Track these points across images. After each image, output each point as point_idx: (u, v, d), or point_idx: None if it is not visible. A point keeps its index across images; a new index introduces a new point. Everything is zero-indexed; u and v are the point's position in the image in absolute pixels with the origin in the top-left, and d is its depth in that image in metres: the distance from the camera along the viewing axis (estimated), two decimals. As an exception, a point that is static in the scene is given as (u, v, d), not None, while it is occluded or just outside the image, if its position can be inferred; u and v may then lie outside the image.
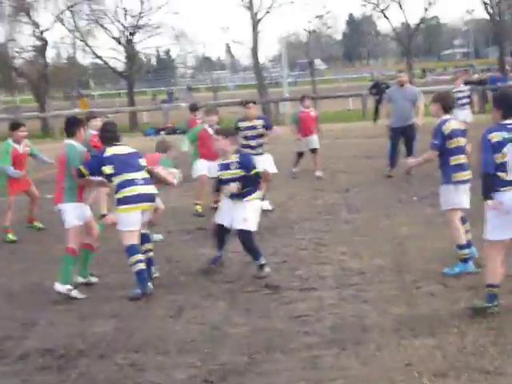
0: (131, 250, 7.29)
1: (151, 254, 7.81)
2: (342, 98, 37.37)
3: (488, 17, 41.82)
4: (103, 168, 7.38)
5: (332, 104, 33.46)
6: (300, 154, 14.82)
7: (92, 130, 10.50)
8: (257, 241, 8.38)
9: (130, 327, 6.44)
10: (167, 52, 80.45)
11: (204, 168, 11.37)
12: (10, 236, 10.53)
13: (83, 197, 7.85)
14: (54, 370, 5.60)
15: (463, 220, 7.55)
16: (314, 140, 14.70)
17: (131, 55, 38.53)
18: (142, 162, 7.63)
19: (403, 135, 13.75)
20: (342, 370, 5.19)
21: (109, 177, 7.45)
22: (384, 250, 8.45)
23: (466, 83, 21.69)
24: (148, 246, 7.78)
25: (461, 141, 7.43)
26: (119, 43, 38.74)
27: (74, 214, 7.54)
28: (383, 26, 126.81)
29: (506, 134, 6.08)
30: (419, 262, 7.86)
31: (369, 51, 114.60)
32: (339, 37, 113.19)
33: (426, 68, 75.96)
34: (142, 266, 7.27)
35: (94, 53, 38.89)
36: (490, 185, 6.07)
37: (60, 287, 7.37)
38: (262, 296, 7.13)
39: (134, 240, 7.34)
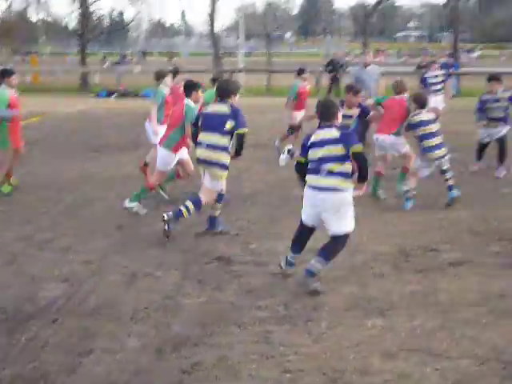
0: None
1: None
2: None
3: (444, 1, 42.17)
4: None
5: (286, 78, 33.37)
6: (296, 128, 13.53)
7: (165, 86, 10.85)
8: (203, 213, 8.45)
9: (81, 292, 6.39)
10: (121, 14, 79.17)
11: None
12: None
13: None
14: (3, 333, 5.53)
15: None
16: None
17: (85, 14, 37.70)
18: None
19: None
20: (293, 346, 5.25)
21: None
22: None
23: (420, 67, 21.78)
24: None
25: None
26: (73, 1, 37.88)
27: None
28: (340, 4, 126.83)
29: None
30: (371, 243, 7.97)
31: (324, 28, 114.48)
32: (296, 11, 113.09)
33: (379, 48, 76.48)
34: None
35: (47, 9, 37.97)
36: None
37: (128, 204, 9.20)
38: (215, 268, 7.15)
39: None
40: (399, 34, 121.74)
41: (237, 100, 8.19)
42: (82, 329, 5.58)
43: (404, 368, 4.86)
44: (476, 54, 73.19)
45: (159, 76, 10.76)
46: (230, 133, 7.95)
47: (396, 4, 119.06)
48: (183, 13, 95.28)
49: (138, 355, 5.14)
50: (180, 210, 8.00)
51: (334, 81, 27.98)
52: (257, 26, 54.45)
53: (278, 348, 5.23)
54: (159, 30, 60.04)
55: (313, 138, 6.61)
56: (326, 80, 28.56)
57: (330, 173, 6.40)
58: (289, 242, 7.93)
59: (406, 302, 6.12)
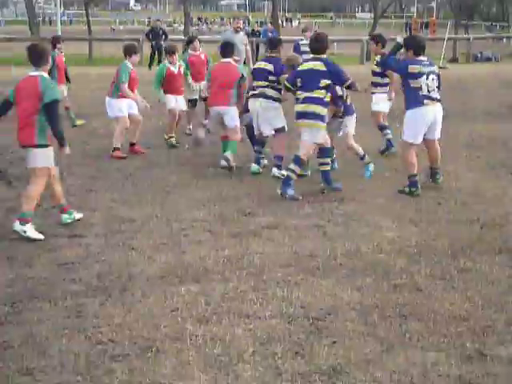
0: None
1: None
2: (118, 42, 36.61)
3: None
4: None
5: (108, 47, 32.63)
6: (193, 102, 12.81)
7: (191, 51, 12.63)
8: (23, 186, 8.12)
9: None
10: None
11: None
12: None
13: None
14: None
15: None
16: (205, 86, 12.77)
17: None
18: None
19: None
20: (106, 317, 5.17)
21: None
22: (154, 199, 8.50)
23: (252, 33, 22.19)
24: None
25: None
26: None
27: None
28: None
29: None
30: (189, 210, 8.00)
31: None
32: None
33: (201, 16, 77.00)
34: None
35: None
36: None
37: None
38: (26, 243, 6.87)
39: None
40: (222, 3, 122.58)
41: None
42: None
43: (216, 331, 4.92)
44: (295, 22, 75.27)
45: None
46: (325, 88, 8.54)
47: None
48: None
49: None
50: (288, 177, 8.60)
51: (156, 49, 27.78)
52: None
53: (90, 320, 5.12)
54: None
55: None
56: (147, 48, 28.27)
57: None
58: (106, 213, 7.84)
59: (220, 267, 6.21)
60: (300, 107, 8.58)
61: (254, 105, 9.69)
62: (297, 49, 14.01)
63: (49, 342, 4.79)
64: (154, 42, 27.73)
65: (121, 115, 10.97)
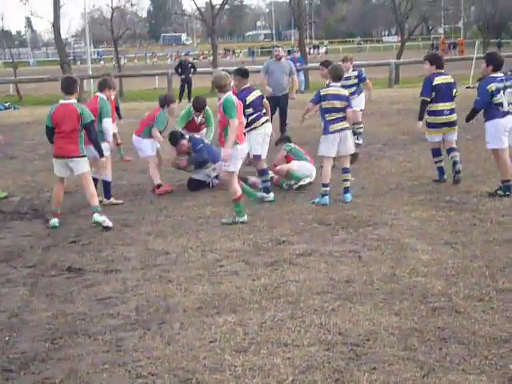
0: None
1: None
2: (148, 77, 37.26)
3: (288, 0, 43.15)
4: None
5: (138, 82, 33.17)
6: None
7: None
8: (60, 223, 8.28)
9: None
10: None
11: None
12: None
13: None
14: None
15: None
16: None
17: None
18: None
19: (277, 105, 14.53)
20: (146, 350, 5.21)
21: None
22: (188, 230, 8.56)
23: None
24: None
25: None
26: None
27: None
28: (187, 6, 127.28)
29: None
30: (222, 241, 8.04)
31: (174, 30, 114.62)
32: (144, 14, 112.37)
33: (229, 48, 77.93)
34: None
35: None
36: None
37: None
38: (65, 280, 6.97)
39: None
40: (249, 33, 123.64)
41: None
42: None
43: (255, 361, 4.93)
44: (323, 49, 75.61)
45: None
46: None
47: (244, 3, 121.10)
48: (28, 20, 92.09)
49: (-18, 378, 4.93)
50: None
51: (186, 82, 28.08)
52: (104, 31, 53.51)
53: (130, 354, 5.16)
54: (3, 39, 57.81)
55: None
56: (177, 82, 28.62)
57: None
58: (141, 247, 7.93)
59: (257, 296, 6.21)
60: None
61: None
62: None
63: (90, 377, 4.83)
64: (183, 76, 28.05)
65: (152, 154, 11.13)
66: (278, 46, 16.78)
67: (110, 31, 40.53)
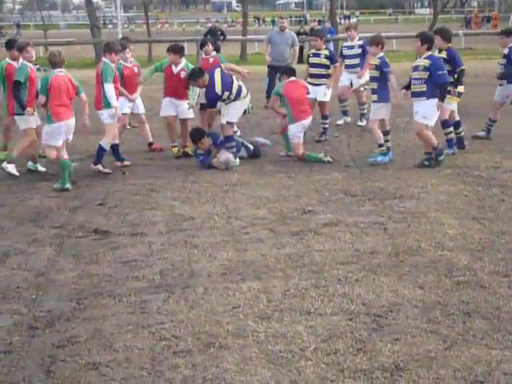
0: None
1: None
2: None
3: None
4: None
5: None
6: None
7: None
8: (87, 185, 8.32)
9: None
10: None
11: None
12: None
13: None
14: None
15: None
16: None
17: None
18: None
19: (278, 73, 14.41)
20: (169, 314, 5.25)
21: None
22: (214, 197, 8.58)
23: (298, 34, 21.97)
24: None
25: None
26: None
27: None
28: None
29: None
30: (248, 208, 8.05)
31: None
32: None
33: (259, 16, 77.54)
34: None
35: None
36: None
37: None
38: (91, 241, 7.03)
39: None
40: (279, 2, 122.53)
41: None
42: (-51, 311, 5.37)
43: (278, 328, 4.95)
44: (353, 19, 74.76)
45: None
46: None
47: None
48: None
49: (9, 333, 5.00)
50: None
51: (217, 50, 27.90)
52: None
53: (153, 317, 5.21)
54: (34, 1, 57.80)
55: None
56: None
57: None
58: (167, 211, 7.96)
59: (281, 265, 6.23)
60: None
61: None
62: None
63: (114, 337, 4.89)
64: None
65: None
66: (283, 18, 17.43)
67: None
